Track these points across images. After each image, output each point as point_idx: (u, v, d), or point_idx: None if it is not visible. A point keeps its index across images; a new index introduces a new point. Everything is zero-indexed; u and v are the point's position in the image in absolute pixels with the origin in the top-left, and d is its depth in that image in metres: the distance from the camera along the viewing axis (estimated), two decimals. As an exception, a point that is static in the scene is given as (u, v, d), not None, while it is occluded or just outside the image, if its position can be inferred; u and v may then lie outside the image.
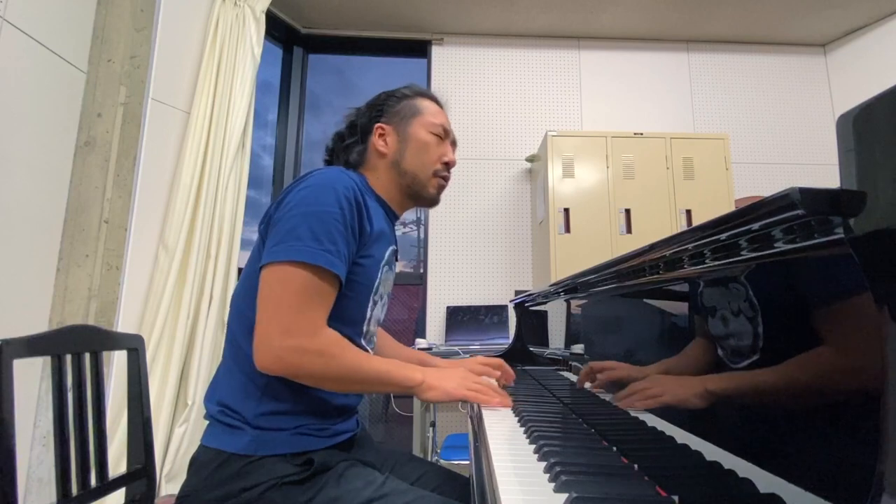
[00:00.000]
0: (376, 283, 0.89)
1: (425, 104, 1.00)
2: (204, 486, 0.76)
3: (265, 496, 0.74)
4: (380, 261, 0.90)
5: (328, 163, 1.04)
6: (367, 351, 0.92)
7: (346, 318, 0.85)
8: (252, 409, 0.79)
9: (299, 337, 0.74)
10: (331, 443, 0.84)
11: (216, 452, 0.77)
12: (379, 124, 0.97)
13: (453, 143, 1.04)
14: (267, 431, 0.78)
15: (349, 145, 0.99)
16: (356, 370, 0.78)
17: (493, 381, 0.94)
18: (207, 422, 0.82)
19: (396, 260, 1.02)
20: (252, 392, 0.80)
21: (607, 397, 0.77)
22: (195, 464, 0.79)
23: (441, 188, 1.00)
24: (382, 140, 0.97)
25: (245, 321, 0.82)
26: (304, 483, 0.76)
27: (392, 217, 0.99)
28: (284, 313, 0.74)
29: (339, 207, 0.79)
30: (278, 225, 0.78)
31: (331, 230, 0.77)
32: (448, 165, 1.00)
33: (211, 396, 0.84)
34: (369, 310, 0.90)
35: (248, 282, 0.84)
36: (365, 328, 0.90)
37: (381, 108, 0.99)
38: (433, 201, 1.01)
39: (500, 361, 1.04)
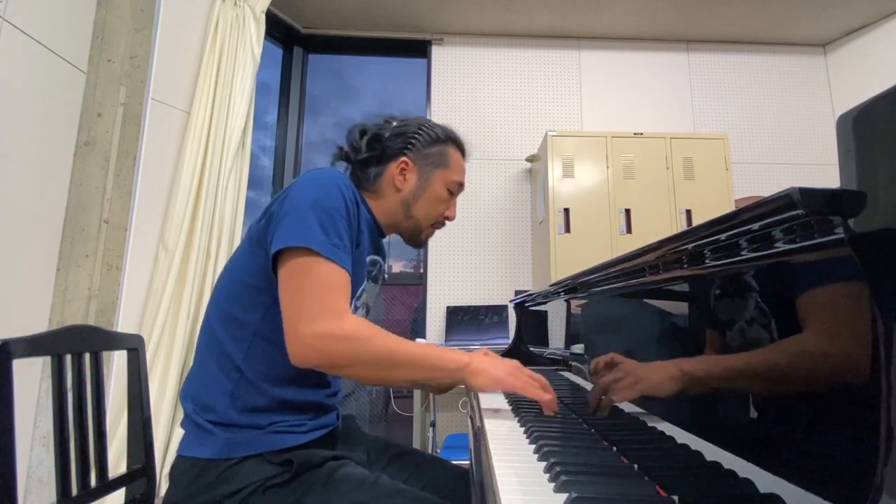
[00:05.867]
0: (360, 290, 0.90)
1: (453, 156, 1.00)
2: (184, 497, 0.75)
3: (249, 501, 0.72)
4: (364, 265, 0.90)
5: (338, 158, 1.01)
6: None
7: None
8: (225, 404, 0.78)
9: (325, 322, 0.73)
10: (308, 438, 0.82)
11: (192, 461, 0.76)
12: (404, 158, 0.95)
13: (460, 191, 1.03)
14: (240, 431, 0.77)
15: (366, 160, 0.97)
16: (391, 354, 0.75)
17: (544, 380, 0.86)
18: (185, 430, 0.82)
19: (383, 277, 1.03)
20: (225, 387, 0.79)
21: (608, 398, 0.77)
22: (173, 474, 0.78)
23: (430, 236, 1.03)
24: (402, 175, 0.95)
25: (227, 316, 0.82)
26: (288, 484, 0.74)
27: (380, 233, 1.00)
28: (309, 302, 0.73)
29: (343, 202, 0.80)
30: (287, 217, 0.78)
31: (337, 225, 0.78)
32: (447, 219, 1.01)
33: (185, 393, 0.83)
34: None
35: (233, 277, 0.84)
36: None
37: (412, 140, 0.96)
38: (419, 245, 1.03)
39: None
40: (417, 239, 1.01)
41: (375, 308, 1.00)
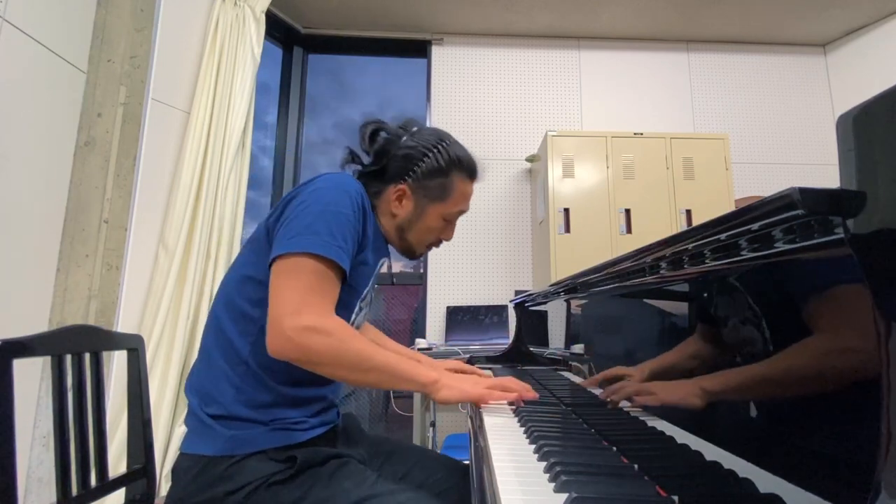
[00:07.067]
0: (365, 290, 0.91)
1: (457, 187, 0.97)
2: (186, 494, 0.75)
3: (252, 498, 0.73)
4: (373, 269, 0.92)
5: (348, 161, 1.00)
6: None
7: None
8: (231, 397, 0.79)
9: (308, 316, 0.74)
10: (310, 435, 0.83)
11: (195, 458, 0.77)
12: (402, 186, 0.94)
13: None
14: (243, 427, 0.78)
15: (370, 174, 0.97)
16: (367, 359, 0.77)
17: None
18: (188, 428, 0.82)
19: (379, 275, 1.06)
20: (231, 379, 0.80)
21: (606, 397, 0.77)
22: (176, 473, 0.78)
23: (425, 253, 1.06)
24: (398, 202, 0.95)
25: (235, 310, 0.83)
26: (291, 481, 0.75)
27: (384, 238, 1.01)
28: (295, 296, 0.75)
29: (351, 209, 0.82)
30: (294, 220, 0.79)
31: (344, 229, 0.80)
32: (443, 240, 1.03)
33: (191, 385, 0.84)
34: (354, 314, 0.91)
35: (243, 272, 0.85)
36: None
37: (415, 168, 0.93)
38: (414, 259, 1.06)
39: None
40: (411, 256, 1.03)
41: (374, 305, 1.02)
